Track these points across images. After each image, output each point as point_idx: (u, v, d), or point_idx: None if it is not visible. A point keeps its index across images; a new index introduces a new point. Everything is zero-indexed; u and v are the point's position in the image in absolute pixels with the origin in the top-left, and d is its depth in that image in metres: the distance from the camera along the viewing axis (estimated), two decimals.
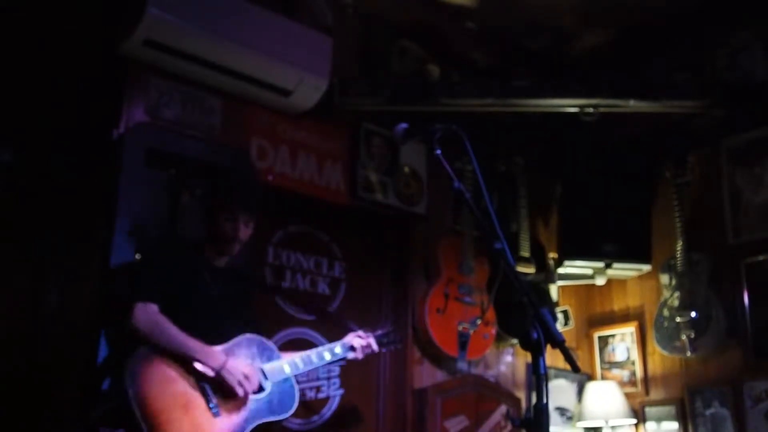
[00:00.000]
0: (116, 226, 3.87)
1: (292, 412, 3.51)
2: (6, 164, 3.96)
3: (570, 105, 5.28)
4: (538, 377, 2.29)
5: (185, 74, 4.29)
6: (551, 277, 5.93)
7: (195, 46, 4.15)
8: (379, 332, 4.04)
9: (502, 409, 5.53)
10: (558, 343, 2.35)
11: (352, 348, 3.84)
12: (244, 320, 3.63)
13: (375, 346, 3.92)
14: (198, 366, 3.26)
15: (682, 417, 5.67)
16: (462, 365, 5.43)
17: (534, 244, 5.80)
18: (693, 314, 5.54)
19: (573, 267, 5.94)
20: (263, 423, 3.41)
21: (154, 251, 3.72)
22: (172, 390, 3.18)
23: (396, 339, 4.13)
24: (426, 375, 5.27)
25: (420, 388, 5.18)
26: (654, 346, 5.84)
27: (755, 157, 5.61)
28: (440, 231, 5.52)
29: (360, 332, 3.93)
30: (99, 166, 4.04)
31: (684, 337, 5.55)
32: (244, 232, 3.59)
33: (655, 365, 5.95)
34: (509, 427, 5.52)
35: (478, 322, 5.31)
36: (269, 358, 3.54)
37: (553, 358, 5.29)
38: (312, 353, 3.69)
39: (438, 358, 5.31)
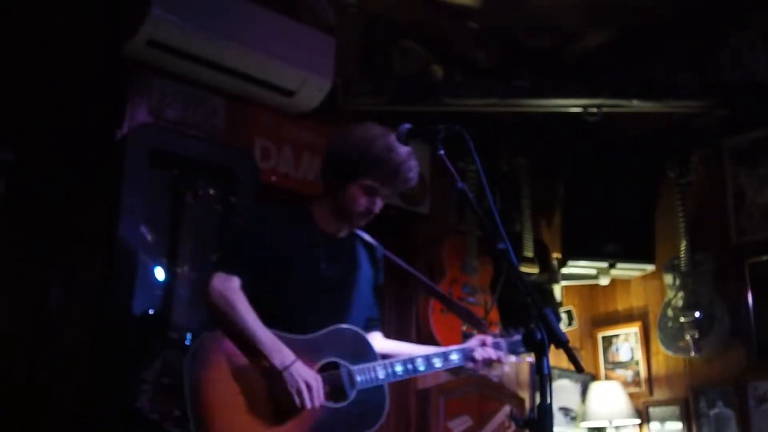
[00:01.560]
0: (119, 226, 3.87)
1: (375, 428, 2.88)
2: (9, 164, 3.96)
3: (573, 105, 5.28)
4: (541, 377, 2.28)
5: (188, 74, 4.29)
6: (555, 277, 5.92)
7: (198, 46, 4.15)
8: (516, 337, 3.19)
9: (506, 409, 5.52)
10: (562, 343, 2.34)
11: (472, 359, 3.10)
12: (359, 305, 3.10)
13: (503, 359, 3.14)
14: (263, 362, 2.76)
15: (686, 417, 5.67)
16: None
17: (537, 244, 5.80)
18: (697, 314, 5.53)
19: (576, 267, 5.94)
20: None
21: (252, 218, 3.20)
22: (234, 383, 2.74)
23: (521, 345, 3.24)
24: (429, 375, 5.25)
25: (423, 388, 5.17)
26: (658, 346, 5.83)
27: (759, 156, 5.60)
28: (443, 231, 5.51)
29: (486, 337, 3.15)
30: (102, 166, 4.05)
31: (688, 337, 5.54)
32: (379, 207, 3.06)
33: (659, 365, 5.94)
34: (513, 427, 5.52)
35: (482, 322, 5.30)
36: (363, 359, 2.92)
37: (556, 358, 5.30)
38: (419, 359, 3.02)
39: None
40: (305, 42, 4.49)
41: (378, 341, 3.16)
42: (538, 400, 2.25)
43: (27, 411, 3.68)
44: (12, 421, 3.64)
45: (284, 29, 4.43)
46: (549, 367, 2.28)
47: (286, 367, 2.72)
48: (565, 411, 5.98)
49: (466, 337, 5.16)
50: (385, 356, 3.03)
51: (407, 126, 2.84)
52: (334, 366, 2.87)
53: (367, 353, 2.94)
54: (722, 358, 5.53)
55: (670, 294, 5.76)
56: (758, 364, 5.35)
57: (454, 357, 3.08)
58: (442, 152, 2.69)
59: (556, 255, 6.00)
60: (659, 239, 5.91)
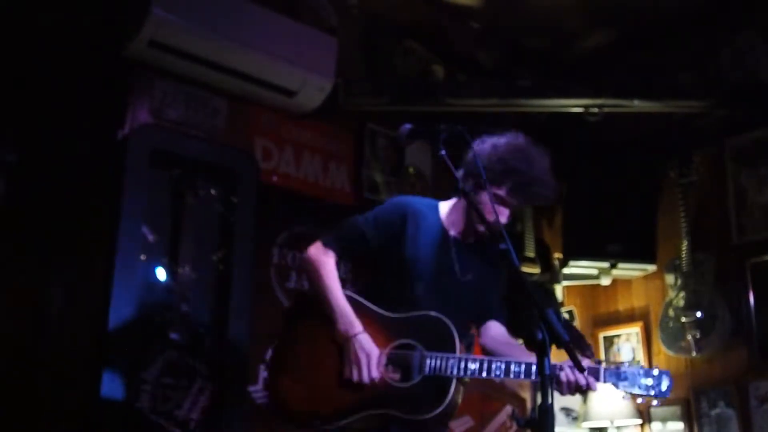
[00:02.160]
0: (121, 226, 3.87)
1: (426, 417, 2.82)
2: (11, 164, 3.97)
3: (574, 105, 5.27)
4: (543, 378, 2.29)
5: (190, 75, 4.29)
6: (556, 278, 5.92)
7: (199, 47, 4.15)
8: (626, 369, 2.98)
9: (508, 409, 5.52)
10: (563, 343, 2.35)
11: (557, 380, 2.85)
12: (460, 300, 3.07)
13: (593, 386, 2.88)
14: (334, 326, 2.96)
15: (687, 417, 5.66)
16: None
17: (539, 244, 5.80)
18: (698, 314, 5.53)
19: (578, 267, 5.93)
20: (385, 414, 2.86)
21: (386, 206, 3.24)
22: (310, 344, 3.02)
23: (653, 388, 3.12)
24: None
25: None
26: (659, 347, 5.83)
27: (760, 156, 5.59)
28: None
29: (582, 362, 2.78)
30: (103, 166, 4.05)
31: (689, 337, 5.54)
32: (505, 218, 3.06)
33: (661, 365, 5.92)
34: (514, 427, 5.52)
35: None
36: (441, 348, 2.89)
37: (558, 358, 5.29)
38: (496, 362, 2.89)
39: None
40: (306, 42, 4.49)
41: (499, 332, 3.19)
42: (539, 400, 2.26)
43: (28, 411, 3.69)
44: (13, 422, 3.64)
45: (285, 29, 4.43)
46: (550, 368, 2.28)
47: (351, 336, 2.90)
48: (567, 411, 5.98)
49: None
50: (487, 350, 3.11)
51: (408, 126, 2.84)
52: (411, 347, 2.91)
53: (447, 344, 2.90)
54: (723, 358, 5.52)
55: (671, 294, 5.75)
56: (759, 364, 5.34)
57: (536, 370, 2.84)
58: (443, 152, 2.69)
59: (557, 255, 5.99)
60: (660, 239, 5.90)
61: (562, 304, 5.93)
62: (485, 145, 3.09)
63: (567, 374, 2.85)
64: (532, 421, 2.25)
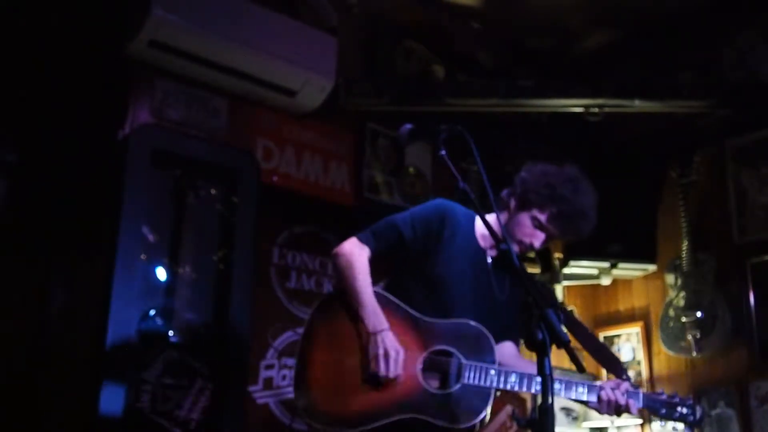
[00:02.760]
0: (121, 226, 3.87)
1: (462, 426, 2.73)
2: (12, 165, 3.97)
3: (575, 105, 5.27)
4: (543, 377, 2.29)
5: (190, 75, 4.29)
6: (556, 277, 5.92)
7: (200, 46, 4.15)
8: (662, 397, 3.10)
9: (508, 409, 5.52)
10: (563, 343, 2.35)
11: (599, 398, 2.96)
12: (492, 317, 3.02)
13: (633, 410, 3.03)
14: (361, 323, 2.86)
15: None
16: None
17: None
18: (699, 314, 5.53)
19: (578, 267, 5.93)
20: (416, 419, 2.75)
21: (428, 206, 3.18)
22: (341, 338, 2.88)
23: (689, 416, 3.07)
24: None
25: None
26: (659, 347, 5.83)
27: (761, 157, 5.59)
28: None
29: (623, 384, 3.00)
30: (104, 166, 4.05)
31: (690, 337, 5.54)
32: (540, 244, 3.10)
33: (661, 365, 5.94)
34: (515, 427, 5.51)
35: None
36: (479, 357, 2.83)
37: (558, 358, 5.30)
38: (537, 378, 2.64)
39: None
40: (307, 42, 4.49)
41: (512, 352, 3.14)
42: (539, 400, 2.26)
43: (29, 412, 3.69)
44: (14, 422, 3.65)
45: (286, 29, 4.43)
46: (551, 367, 2.28)
47: (377, 332, 2.79)
48: (567, 411, 5.97)
49: None
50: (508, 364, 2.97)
51: (409, 126, 2.84)
52: (448, 354, 2.84)
53: (485, 354, 2.84)
54: (724, 358, 5.52)
55: (671, 294, 5.75)
56: (760, 364, 5.34)
57: (580, 389, 2.94)
58: (443, 152, 2.69)
59: (557, 255, 5.99)
60: (661, 239, 5.90)
61: (562, 304, 5.93)
62: (537, 167, 3.18)
63: (607, 393, 2.92)
64: (533, 420, 2.26)
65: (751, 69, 5.31)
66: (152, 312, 3.92)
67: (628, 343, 6.15)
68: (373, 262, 2.99)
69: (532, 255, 5.64)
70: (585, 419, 5.87)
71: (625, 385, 2.98)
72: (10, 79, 3.94)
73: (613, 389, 2.93)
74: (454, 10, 5.20)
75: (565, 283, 6.01)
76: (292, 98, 4.56)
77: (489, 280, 3.06)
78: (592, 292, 6.42)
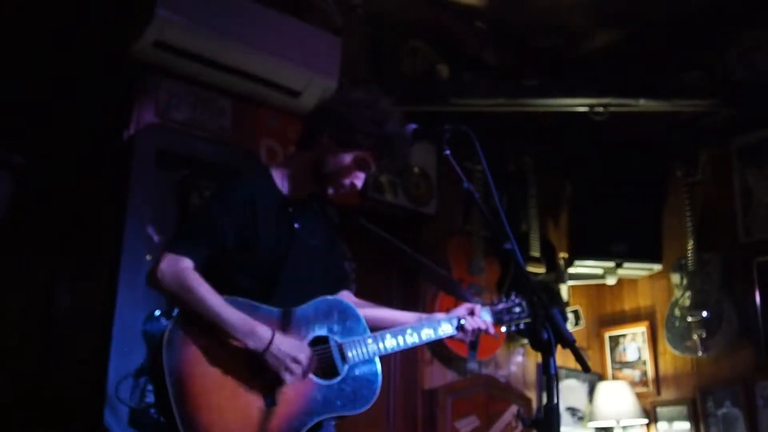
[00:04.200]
0: (126, 226, 3.88)
1: (368, 406, 2.71)
2: (17, 166, 3.98)
3: (580, 104, 5.27)
4: (548, 377, 2.29)
5: (195, 75, 4.29)
6: (561, 277, 5.92)
7: (204, 47, 4.16)
8: (499, 305, 3.08)
9: (513, 409, 5.52)
10: (568, 343, 2.34)
11: (461, 328, 2.95)
12: (333, 277, 2.96)
13: (491, 329, 3.00)
14: (239, 344, 2.55)
15: (693, 417, 5.65)
16: (472, 365, 5.43)
17: (544, 243, 5.79)
18: (704, 314, 5.52)
19: (583, 267, 5.93)
20: (332, 417, 2.68)
21: (213, 194, 2.96)
22: (217, 368, 2.52)
23: (522, 313, 3.09)
24: (436, 375, 5.27)
25: (430, 389, 5.17)
26: (665, 346, 5.82)
27: (766, 156, 5.59)
28: (450, 231, 5.51)
29: (475, 306, 3.00)
30: (109, 167, 4.06)
31: (695, 337, 5.54)
32: (361, 184, 2.88)
33: (667, 365, 5.93)
34: (520, 427, 5.51)
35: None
36: (352, 332, 2.75)
37: (563, 358, 5.29)
38: (408, 330, 2.85)
39: (448, 359, 5.31)
40: (311, 42, 4.49)
41: (352, 300, 2.97)
42: (545, 400, 2.25)
43: (36, 413, 3.69)
44: (21, 424, 3.65)
45: (290, 30, 4.43)
46: (556, 367, 2.28)
47: (266, 349, 2.53)
48: (573, 411, 5.97)
49: (474, 344, 5.11)
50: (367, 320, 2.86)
51: (413, 126, 2.83)
52: (324, 340, 2.70)
53: (356, 326, 2.77)
54: (730, 357, 5.52)
55: (677, 293, 5.75)
56: (766, 364, 5.33)
57: (446, 327, 2.94)
58: (448, 152, 2.68)
59: (562, 255, 5.99)
60: (666, 239, 5.90)
61: (567, 304, 5.92)
62: (357, 102, 2.88)
63: (469, 322, 2.94)
64: (538, 420, 2.25)
65: (756, 68, 5.30)
66: (157, 312, 3.92)
67: (633, 343, 6.14)
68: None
69: (537, 254, 5.64)
70: (591, 419, 5.87)
71: (477, 308, 2.99)
72: (15, 80, 3.94)
73: (471, 316, 2.96)
74: (459, 9, 5.20)
75: (570, 282, 6.01)
76: (297, 98, 4.56)
77: (293, 232, 2.80)
78: (597, 291, 6.42)
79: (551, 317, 2.33)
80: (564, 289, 5.91)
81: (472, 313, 2.99)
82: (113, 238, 3.89)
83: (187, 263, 2.60)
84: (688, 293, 5.65)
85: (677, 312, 5.70)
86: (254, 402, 2.53)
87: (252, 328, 2.55)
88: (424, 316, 3.00)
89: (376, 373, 2.75)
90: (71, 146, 4.03)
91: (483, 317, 3.00)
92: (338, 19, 4.81)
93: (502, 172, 5.79)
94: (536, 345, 2.35)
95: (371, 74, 5.18)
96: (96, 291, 3.91)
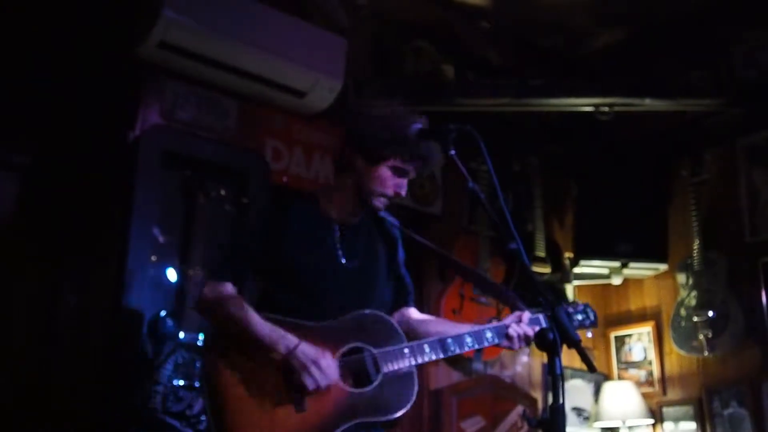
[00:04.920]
0: (132, 227, 3.89)
1: (402, 413, 2.73)
2: (23, 166, 3.99)
3: (585, 104, 5.27)
4: (554, 377, 2.28)
5: (200, 76, 4.30)
6: (567, 277, 5.91)
7: (210, 48, 4.16)
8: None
9: (519, 409, 5.51)
10: (574, 343, 2.34)
11: (507, 336, 2.94)
12: (380, 290, 3.00)
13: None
14: (270, 354, 2.68)
15: (699, 417, 5.64)
16: (478, 366, 5.43)
17: (549, 243, 5.79)
18: (710, 313, 5.51)
19: (589, 266, 5.92)
20: (363, 422, 2.70)
21: (258, 218, 3.01)
22: (250, 379, 2.66)
23: (586, 320, 3.11)
24: (442, 376, 5.27)
25: (436, 389, 5.17)
26: (671, 346, 5.81)
27: None
28: (455, 231, 5.51)
29: (524, 314, 2.97)
30: (114, 168, 4.06)
31: (701, 337, 5.52)
32: (405, 189, 2.94)
33: (673, 365, 5.92)
34: (526, 427, 5.51)
35: (494, 322, 5.29)
36: (388, 342, 2.79)
37: (569, 358, 5.29)
38: (449, 339, 2.87)
39: (454, 359, 5.30)
40: (316, 43, 4.49)
41: (414, 315, 3.10)
42: (550, 400, 2.25)
43: (41, 412, 3.70)
44: (26, 422, 3.66)
45: (296, 30, 4.44)
46: (561, 367, 2.27)
47: (291, 351, 2.63)
48: (578, 411, 5.96)
49: None
50: (417, 334, 2.92)
51: (418, 126, 2.83)
52: (358, 351, 2.76)
53: (392, 337, 2.80)
54: (736, 357, 5.50)
55: (683, 293, 5.73)
56: None
57: (489, 335, 2.92)
58: (453, 152, 2.68)
59: (568, 254, 5.98)
60: (672, 238, 5.88)
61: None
62: (372, 118, 2.96)
63: (515, 329, 2.91)
64: (544, 421, 2.25)
65: (762, 67, 5.28)
66: (163, 313, 3.93)
67: (639, 343, 6.13)
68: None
69: (542, 254, 5.64)
70: (597, 419, 5.86)
71: (526, 315, 2.96)
72: (21, 81, 3.95)
73: (518, 323, 2.93)
74: (463, 9, 5.19)
75: (576, 282, 6.00)
76: (302, 99, 4.56)
77: (334, 254, 2.91)
78: (602, 291, 6.41)
79: (557, 317, 2.33)
80: (569, 289, 5.91)
81: (519, 320, 2.96)
82: (118, 238, 3.90)
83: (228, 288, 2.78)
84: (694, 293, 5.64)
85: (683, 312, 5.69)
86: (284, 408, 2.63)
87: (280, 336, 2.66)
88: (476, 327, 2.96)
89: (412, 382, 2.78)
90: (76, 147, 4.04)
91: (531, 324, 2.94)
92: (343, 19, 4.82)
93: (507, 172, 5.78)
94: (541, 345, 2.35)
95: (376, 74, 5.17)
96: (102, 292, 3.92)
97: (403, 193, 2.93)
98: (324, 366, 2.64)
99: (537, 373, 5.86)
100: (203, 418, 3.82)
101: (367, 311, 2.83)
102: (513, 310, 3.23)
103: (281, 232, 2.86)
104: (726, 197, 5.76)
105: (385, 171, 2.88)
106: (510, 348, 2.98)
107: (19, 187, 3.95)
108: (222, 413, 2.62)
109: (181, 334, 3.94)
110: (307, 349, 2.64)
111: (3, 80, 3.90)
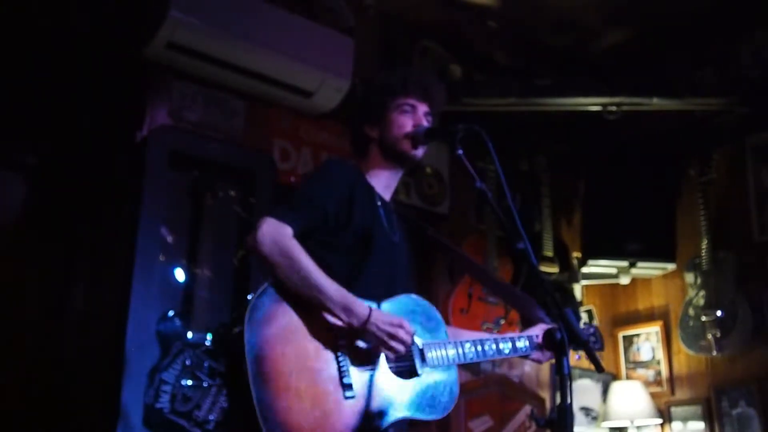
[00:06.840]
0: (140, 227, 3.89)
1: (445, 414, 2.62)
2: (31, 167, 4.00)
3: (593, 103, 5.26)
4: (562, 377, 2.28)
5: (207, 76, 4.31)
6: (575, 277, 5.90)
7: (217, 48, 4.16)
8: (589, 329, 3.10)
9: (527, 409, 5.51)
10: (582, 343, 2.34)
11: (539, 347, 2.90)
12: (410, 275, 2.90)
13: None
14: (332, 320, 2.45)
15: (708, 417, 5.63)
16: (486, 365, 5.42)
17: (557, 243, 5.78)
18: (719, 313, 5.50)
19: (597, 266, 5.91)
20: (405, 420, 2.54)
21: (317, 172, 2.90)
22: (301, 351, 2.38)
23: (596, 344, 3.09)
24: None
25: None
26: (679, 346, 5.80)
27: None
28: (463, 231, 5.51)
29: (554, 326, 2.67)
30: (122, 168, 4.07)
31: (710, 337, 5.51)
32: (426, 120, 2.84)
33: (681, 365, 5.91)
34: (534, 427, 5.51)
35: (502, 322, 5.29)
36: (433, 334, 2.69)
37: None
38: (488, 341, 2.79)
39: None
40: (324, 43, 4.49)
41: None
42: (558, 400, 2.25)
43: (50, 411, 3.71)
44: (35, 420, 3.67)
45: (303, 30, 4.44)
46: (569, 367, 2.27)
47: (366, 320, 2.44)
48: (586, 411, 5.95)
49: None
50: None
51: (425, 126, 2.83)
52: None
53: (437, 328, 2.71)
54: (745, 357, 5.49)
55: (691, 293, 5.72)
56: None
57: (522, 344, 2.87)
58: (460, 152, 2.68)
59: (576, 254, 5.98)
60: (680, 238, 5.87)
61: (581, 304, 5.92)
62: (361, 84, 2.98)
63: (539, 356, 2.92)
64: (552, 421, 2.25)
65: None
66: (171, 313, 3.94)
67: (647, 343, 6.12)
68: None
69: (550, 254, 5.63)
70: (605, 419, 5.85)
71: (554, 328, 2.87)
72: (28, 81, 3.96)
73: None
74: (470, 9, 5.19)
75: (584, 282, 5.99)
76: (309, 99, 4.56)
77: (383, 225, 2.77)
78: (611, 291, 6.40)
79: (564, 317, 2.33)
80: (577, 289, 5.90)
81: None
82: (127, 238, 3.90)
83: (288, 231, 2.48)
84: (702, 292, 5.63)
85: (691, 311, 5.67)
86: (331, 394, 2.39)
87: (350, 302, 2.45)
88: (508, 335, 2.93)
89: (455, 381, 2.69)
90: (84, 147, 4.05)
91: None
92: (350, 19, 4.82)
93: (514, 171, 5.78)
94: (549, 345, 2.35)
95: None
96: (110, 291, 3.93)
97: (424, 122, 2.81)
98: (407, 327, 2.49)
99: (545, 372, 5.85)
100: (212, 417, 3.83)
101: (414, 296, 2.75)
102: (524, 315, 3.21)
103: (343, 189, 2.69)
104: (734, 196, 5.75)
105: (394, 116, 2.81)
106: (538, 361, 2.96)
107: (28, 188, 3.97)
108: (263, 382, 2.29)
109: (189, 334, 3.95)
110: (382, 315, 2.48)
111: (10, 81, 3.92)
